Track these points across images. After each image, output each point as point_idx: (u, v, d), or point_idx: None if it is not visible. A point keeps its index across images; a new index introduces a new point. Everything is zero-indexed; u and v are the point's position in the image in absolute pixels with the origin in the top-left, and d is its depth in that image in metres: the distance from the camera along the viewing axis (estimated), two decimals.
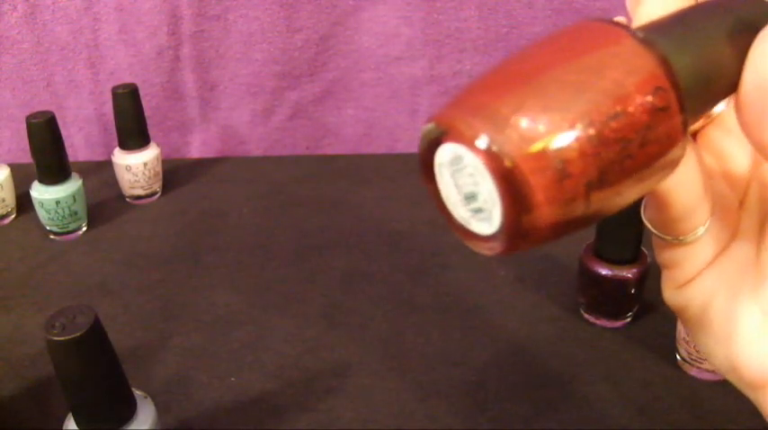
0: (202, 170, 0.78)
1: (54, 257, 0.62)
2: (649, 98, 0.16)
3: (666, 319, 0.50)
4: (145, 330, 0.52)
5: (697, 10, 0.19)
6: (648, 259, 0.49)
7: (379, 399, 0.46)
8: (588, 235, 0.50)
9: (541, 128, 0.15)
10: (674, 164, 0.18)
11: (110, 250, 0.63)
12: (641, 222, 0.23)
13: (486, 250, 0.18)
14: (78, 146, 0.81)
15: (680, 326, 0.47)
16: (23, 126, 0.60)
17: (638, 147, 0.16)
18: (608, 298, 0.50)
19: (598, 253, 0.49)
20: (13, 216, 0.68)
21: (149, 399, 0.38)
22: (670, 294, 0.23)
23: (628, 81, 0.16)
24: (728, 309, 0.21)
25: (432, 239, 0.62)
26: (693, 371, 0.46)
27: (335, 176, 0.75)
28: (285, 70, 0.76)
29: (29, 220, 0.67)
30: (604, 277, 0.48)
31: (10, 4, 0.72)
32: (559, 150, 0.15)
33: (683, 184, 0.20)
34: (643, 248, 0.49)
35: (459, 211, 0.18)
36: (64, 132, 0.62)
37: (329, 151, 0.82)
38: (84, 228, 0.66)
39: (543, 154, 0.15)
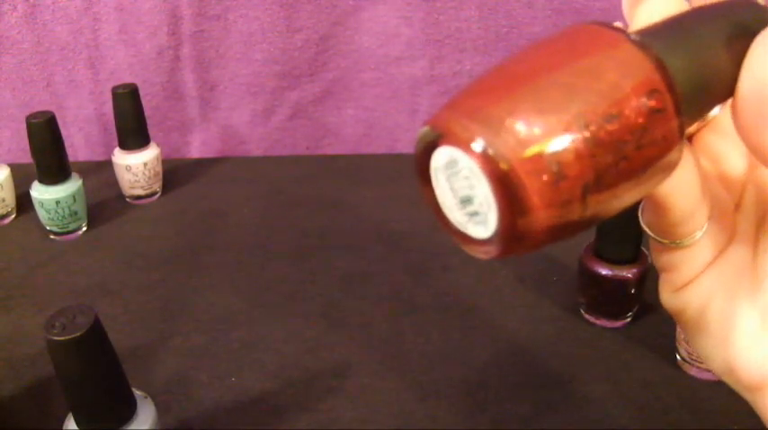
0: (202, 170, 0.78)
1: (54, 257, 0.62)
2: (645, 100, 0.16)
3: (666, 319, 0.49)
4: (145, 330, 0.52)
5: (693, 14, 0.19)
6: (648, 259, 0.48)
7: (379, 399, 0.46)
8: (588, 235, 0.50)
9: (537, 130, 0.15)
10: (670, 167, 0.18)
11: (110, 250, 0.63)
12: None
13: (482, 254, 0.18)
14: (78, 146, 0.81)
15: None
16: (23, 126, 0.60)
17: (634, 149, 0.16)
18: (608, 298, 0.50)
19: (598, 253, 0.49)
20: (13, 216, 0.68)
21: (149, 399, 0.38)
22: (667, 297, 0.23)
23: (624, 83, 0.16)
24: (726, 311, 0.21)
25: (432, 239, 0.62)
26: (693, 371, 0.46)
27: (335, 176, 0.75)
28: (285, 70, 0.76)
29: (29, 220, 0.67)
30: (604, 277, 0.48)
31: (10, 4, 0.72)
32: (555, 152, 0.15)
33: (680, 188, 0.20)
34: (643, 248, 0.49)
35: (455, 215, 0.18)
36: (64, 132, 0.62)
37: (329, 151, 0.82)
38: (84, 228, 0.66)
39: (539, 156, 0.15)
